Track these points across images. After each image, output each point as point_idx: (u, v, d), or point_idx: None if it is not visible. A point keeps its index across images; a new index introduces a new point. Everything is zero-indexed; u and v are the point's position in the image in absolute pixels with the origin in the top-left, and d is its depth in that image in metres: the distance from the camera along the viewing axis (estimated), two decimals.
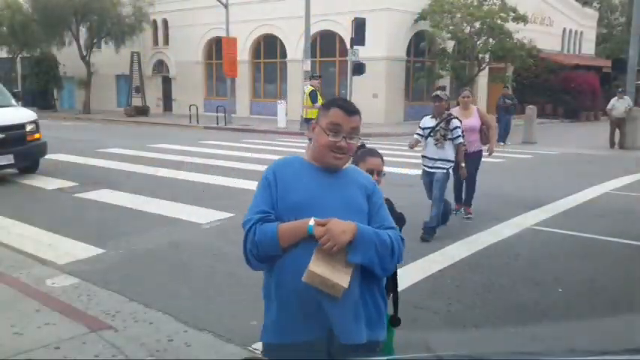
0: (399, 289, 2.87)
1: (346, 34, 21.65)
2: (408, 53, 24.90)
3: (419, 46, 25.62)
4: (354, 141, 2.12)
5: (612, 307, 4.43)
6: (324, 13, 23.35)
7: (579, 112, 29.19)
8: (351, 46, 19.62)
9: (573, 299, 4.60)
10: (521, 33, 24.67)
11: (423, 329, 3.79)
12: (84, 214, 7.32)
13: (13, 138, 9.32)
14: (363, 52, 19.86)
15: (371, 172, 2.69)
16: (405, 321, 2.82)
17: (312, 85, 13.58)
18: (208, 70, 30.13)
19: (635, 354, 1.40)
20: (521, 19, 23.99)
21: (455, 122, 6.27)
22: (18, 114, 9.99)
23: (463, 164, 6.43)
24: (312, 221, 1.96)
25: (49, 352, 3.37)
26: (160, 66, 31.95)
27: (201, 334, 3.74)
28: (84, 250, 5.61)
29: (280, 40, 26.58)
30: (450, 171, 6.38)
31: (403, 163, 10.25)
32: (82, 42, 29.81)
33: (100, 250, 5.61)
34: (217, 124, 22.41)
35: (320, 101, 12.65)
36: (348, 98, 20.49)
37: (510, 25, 23.97)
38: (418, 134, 6.57)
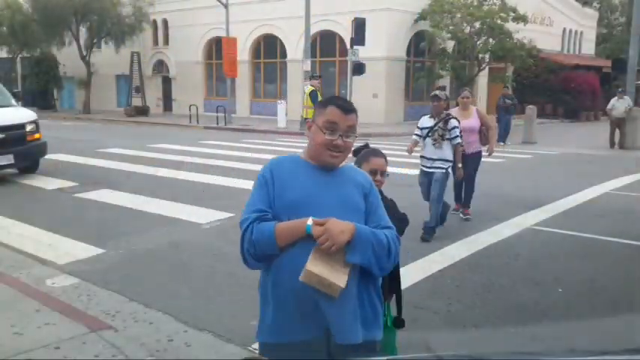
0: None
1: (346, 34, 21.65)
2: (408, 53, 24.90)
3: (419, 46, 25.62)
4: (350, 139, 2.12)
5: (612, 307, 4.43)
6: (324, 13, 23.35)
7: (579, 112, 29.20)
8: (351, 46, 19.62)
9: (573, 299, 4.60)
10: (521, 33, 24.67)
11: (423, 329, 3.78)
12: (84, 214, 7.32)
13: (13, 138, 9.32)
14: (363, 52, 19.86)
15: (374, 172, 2.68)
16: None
17: (312, 85, 13.60)
18: (208, 70, 30.13)
19: (635, 354, 1.40)
20: (521, 19, 23.99)
21: (453, 122, 6.25)
22: (18, 114, 9.99)
23: (460, 165, 6.39)
24: (310, 221, 1.96)
25: (49, 352, 3.37)
26: (160, 66, 31.95)
27: (201, 334, 3.74)
28: (84, 250, 5.61)
29: (280, 40, 26.58)
30: (449, 170, 6.36)
31: (403, 163, 10.26)
32: (82, 42, 29.81)
33: (100, 250, 5.61)
34: (217, 124, 22.41)
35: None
36: (348, 98, 20.49)
37: (510, 25, 23.97)
38: (416, 134, 6.57)
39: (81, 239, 5.95)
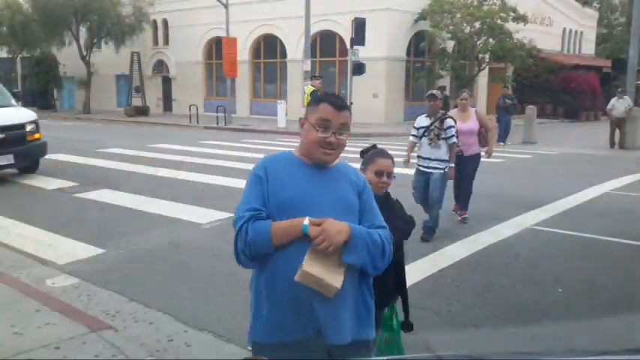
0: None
1: (346, 34, 21.65)
2: (408, 53, 24.90)
3: (419, 46, 25.62)
4: (343, 136, 2.11)
5: (612, 307, 4.43)
6: (324, 13, 23.35)
7: (579, 112, 29.19)
8: (351, 46, 19.62)
9: (573, 299, 4.60)
10: (521, 33, 24.67)
11: (423, 329, 3.78)
12: (84, 214, 7.32)
13: (13, 138, 9.33)
14: (363, 52, 19.86)
15: (380, 173, 2.66)
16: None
17: (313, 85, 13.58)
18: (208, 70, 30.13)
19: (635, 354, 1.40)
20: (521, 19, 23.99)
21: (449, 122, 6.19)
22: (18, 114, 9.99)
23: (452, 164, 6.28)
24: (306, 220, 1.95)
25: (49, 352, 3.37)
26: (160, 66, 31.95)
27: (201, 334, 3.74)
28: (84, 250, 5.61)
29: (280, 40, 26.58)
30: (447, 171, 6.31)
31: (403, 163, 10.24)
32: (82, 42, 29.80)
33: (100, 250, 5.61)
34: (217, 124, 22.40)
35: None
36: (348, 98, 20.54)
37: (510, 25, 23.97)
38: (413, 135, 6.50)
39: (81, 239, 5.95)
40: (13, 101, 10.65)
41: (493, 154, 7.55)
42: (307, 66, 20.48)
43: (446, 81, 24.50)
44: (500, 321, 4.16)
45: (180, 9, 29.23)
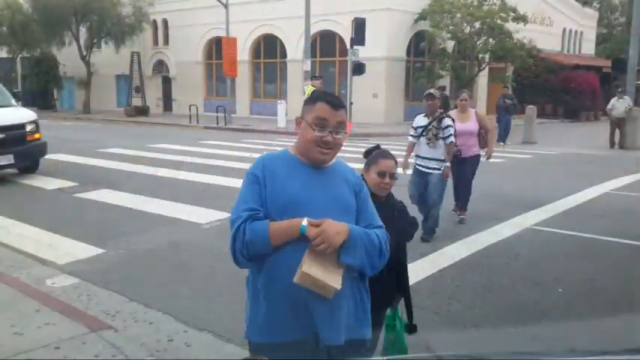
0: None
1: (346, 34, 21.66)
2: (408, 53, 24.90)
3: (419, 46, 25.62)
4: (340, 135, 2.09)
5: (612, 307, 4.43)
6: (324, 13, 23.35)
7: (579, 112, 29.20)
8: (351, 46, 19.62)
9: (573, 299, 4.60)
10: (521, 33, 24.67)
11: (423, 329, 3.78)
12: (84, 214, 7.32)
13: (13, 138, 9.32)
14: (363, 52, 19.86)
15: (383, 174, 2.65)
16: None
17: (313, 85, 13.58)
18: (208, 70, 30.13)
19: (635, 354, 1.40)
20: (521, 19, 23.99)
21: (446, 121, 6.13)
22: (18, 114, 9.99)
23: (448, 164, 6.20)
24: (305, 221, 1.94)
25: (49, 352, 3.37)
26: (160, 66, 31.95)
27: (201, 334, 3.74)
28: (84, 250, 5.61)
29: (280, 40, 26.58)
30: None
31: (400, 167, 10.24)
32: (82, 42, 29.80)
33: (100, 250, 5.61)
34: (217, 124, 22.40)
35: None
36: (348, 98, 20.55)
37: (510, 25, 23.97)
38: (412, 135, 6.45)
39: (81, 239, 5.95)
40: (13, 101, 10.65)
41: (493, 154, 7.50)
42: (307, 66, 20.48)
43: (446, 81, 24.50)
44: (500, 321, 4.16)
45: (180, 9, 29.23)
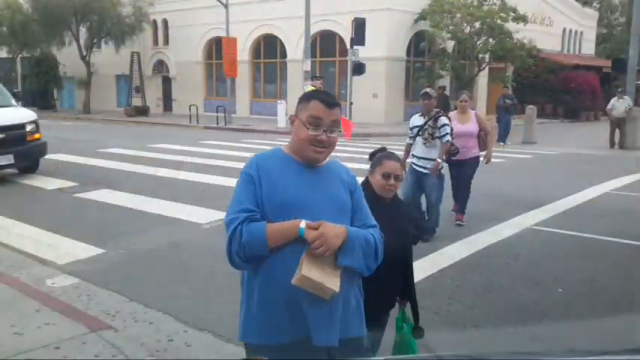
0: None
1: (346, 34, 21.65)
2: (408, 53, 24.90)
3: (419, 46, 25.62)
4: (334, 134, 2.08)
5: (612, 307, 4.43)
6: (324, 13, 23.35)
7: (579, 112, 29.20)
8: (351, 46, 19.62)
9: (573, 299, 4.60)
10: (521, 33, 24.67)
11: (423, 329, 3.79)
12: (84, 214, 7.32)
13: (13, 138, 9.32)
14: (363, 52, 19.86)
15: (388, 176, 2.64)
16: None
17: (313, 86, 13.58)
18: (208, 70, 30.13)
19: (635, 354, 1.40)
20: (521, 19, 23.99)
21: (443, 120, 6.09)
22: (18, 114, 9.99)
23: (440, 160, 6.09)
24: (303, 224, 1.94)
25: (49, 352, 3.37)
26: (160, 66, 31.95)
27: (201, 334, 3.74)
28: (84, 250, 5.61)
29: (280, 40, 26.58)
30: (442, 172, 6.24)
31: None
32: (82, 42, 29.81)
33: (100, 250, 5.61)
34: (217, 124, 22.41)
35: None
36: (348, 98, 20.51)
37: (510, 25, 23.97)
38: (410, 136, 6.38)
39: (81, 239, 5.95)
40: (13, 101, 10.65)
41: (493, 154, 7.45)
42: (307, 66, 20.48)
43: (446, 81, 24.50)
44: (500, 321, 4.16)
45: (180, 9, 29.23)
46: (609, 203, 8.23)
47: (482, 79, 27.28)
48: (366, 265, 2.05)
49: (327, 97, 2.09)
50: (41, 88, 32.15)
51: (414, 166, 6.26)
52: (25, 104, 14.70)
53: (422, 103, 6.29)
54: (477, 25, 23.89)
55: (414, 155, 6.32)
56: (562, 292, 4.69)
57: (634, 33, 18.55)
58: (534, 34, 27.16)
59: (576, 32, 35.56)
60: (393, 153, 2.83)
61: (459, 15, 23.66)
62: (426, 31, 24.20)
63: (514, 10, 23.78)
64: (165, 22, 30.88)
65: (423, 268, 5.13)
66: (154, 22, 30.73)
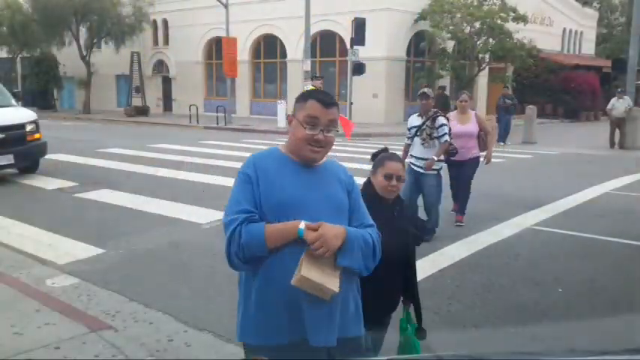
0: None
1: (346, 34, 21.66)
2: (408, 53, 24.90)
3: (419, 46, 25.62)
4: (331, 134, 2.07)
5: (612, 307, 4.43)
6: (324, 13, 23.35)
7: (579, 112, 29.20)
8: (351, 46, 19.62)
9: (573, 299, 4.60)
10: (521, 33, 24.68)
11: None
12: (84, 214, 7.32)
13: (13, 138, 9.32)
14: (363, 52, 19.86)
15: (390, 176, 2.62)
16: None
17: (314, 85, 13.58)
18: (208, 70, 30.13)
19: (635, 354, 1.40)
20: (521, 19, 24.00)
21: (440, 120, 6.05)
22: (18, 114, 9.99)
23: (435, 158, 6.05)
24: (302, 225, 1.94)
25: (49, 352, 3.37)
26: (160, 66, 31.95)
27: (201, 334, 3.74)
28: (84, 250, 5.61)
29: (280, 40, 26.58)
30: (441, 173, 6.21)
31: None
32: (82, 42, 29.81)
33: (100, 250, 5.61)
34: (217, 124, 22.41)
35: None
36: (348, 98, 20.48)
37: (510, 25, 23.97)
38: (408, 137, 6.34)
39: (81, 239, 5.95)
40: (13, 101, 10.65)
41: (493, 154, 7.42)
42: (307, 66, 20.48)
43: (446, 81, 24.49)
44: (500, 321, 4.16)
45: (180, 9, 29.23)
46: (609, 203, 8.23)
47: (483, 79, 27.28)
48: (365, 265, 2.05)
49: (324, 97, 2.08)
50: (41, 88, 32.16)
51: (413, 167, 6.22)
52: (25, 104, 14.70)
53: (419, 103, 6.26)
54: (477, 25, 23.90)
55: (412, 156, 6.28)
56: (562, 292, 4.69)
57: (634, 33, 18.55)
58: (534, 34, 27.16)
59: (576, 32, 35.56)
60: (395, 154, 2.83)
61: (459, 15, 23.67)
62: (426, 31, 24.21)
63: (514, 10, 23.79)
64: (165, 22, 30.89)
65: (423, 268, 5.12)
66: (154, 22, 30.73)
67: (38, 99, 31.17)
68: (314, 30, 22.62)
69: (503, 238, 6.22)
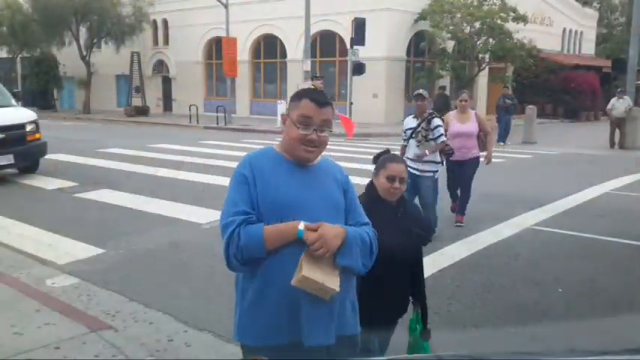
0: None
1: (346, 34, 21.66)
2: (408, 53, 24.90)
3: (419, 46, 25.62)
4: (325, 133, 2.06)
5: (612, 307, 4.43)
6: (324, 13, 23.35)
7: (579, 112, 29.20)
8: (351, 46, 19.63)
9: (573, 299, 4.60)
10: (521, 33, 24.67)
11: None
12: (84, 214, 7.32)
13: (13, 138, 9.33)
14: (363, 52, 19.86)
15: (392, 178, 2.61)
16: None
17: (314, 85, 13.59)
18: (208, 70, 30.14)
19: (635, 354, 1.40)
20: (521, 19, 23.99)
21: (436, 121, 6.02)
22: (18, 114, 9.99)
23: (427, 152, 5.99)
24: (301, 225, 1.93)
25: (49, 352, 3.37)
26: (160, 66, 31.95)
27: (201, 334, 3.74)
28: (84, 250, 5.61)
29: (280, 40, 26.58)
30: (436, 176, 6.15)
31: None
32: (82, 42, 29.82)
33: (100, 250, 5.61)
34: (217, 124, 22.41)
35: None
36: (348, 98, 20.49)
37: (510, 25, 23.97)
38: (403, 139, 6.30)
39: (81, 239, 5.95)
40: (13, 101, 10.65)
41: (493, 154, 7.40)
42: (307, 66, 20.48)
43: (446, 81, 24.49)
44: (500, 321, 4.16)
45: (180, 9, 29.24)
46: (609, 203, 8.23)
47: (483, 79, 27.28)
48: (363, 264, 2.05)
49: (317, 96, 2.07)
50: (41, 88, 32.16)
51: (408, 168, 6.15)
52: (25, 104, 14.71)
53: (415, 105, 6.21)
54: (477, 25, 23.89)
55: (407, 157, 6.19)
56: (562, 292, 4.69)
57: (634, 33, 18.55)
58: (534, 34, 27.16)
59: (576, 32, 35.56)
60: (397, 155, 2.81)
61: (459, 15, 23.67)
62: (426, 31, 24.20)
63: (514, 10, 23.79)
64: (165, 22, 30.89)
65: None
66: (154, 22, 30.73)
67: (38, 99, 31.17)
68: (314, 30, 22.63)
69: (503, 238, 6.22)
